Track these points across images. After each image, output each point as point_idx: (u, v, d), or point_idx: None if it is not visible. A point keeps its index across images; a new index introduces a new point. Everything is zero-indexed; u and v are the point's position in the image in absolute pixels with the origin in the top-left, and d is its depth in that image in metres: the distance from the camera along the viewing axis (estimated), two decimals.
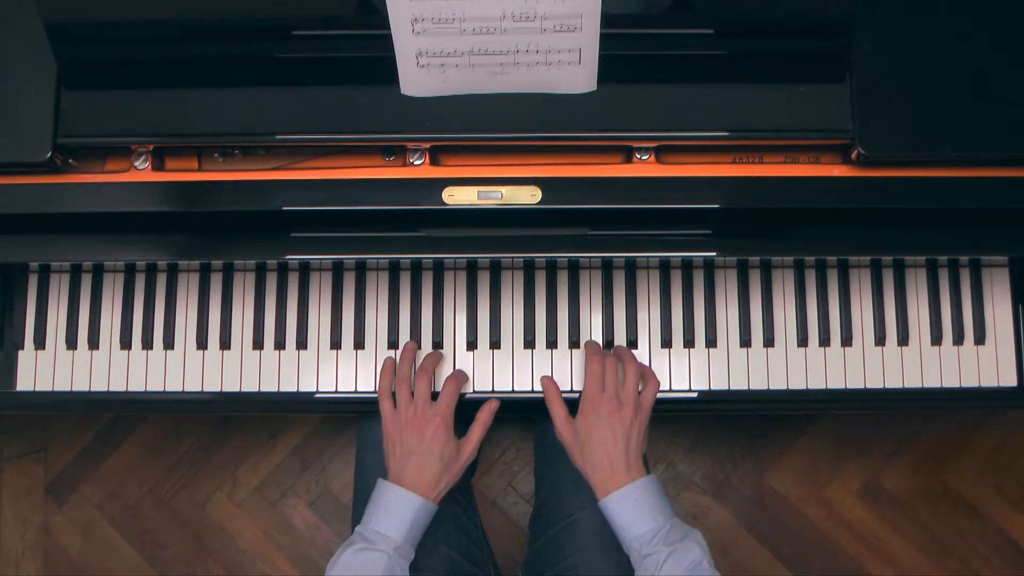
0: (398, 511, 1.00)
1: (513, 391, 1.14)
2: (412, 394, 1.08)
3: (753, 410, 1.36)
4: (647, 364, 1.14)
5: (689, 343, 1.14)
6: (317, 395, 1.15)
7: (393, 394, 1.09)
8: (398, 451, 1.05)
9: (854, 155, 1.00)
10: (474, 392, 1.14)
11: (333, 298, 1.16)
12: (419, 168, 1.03)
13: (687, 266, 1.15)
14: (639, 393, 1.06)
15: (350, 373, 1.15)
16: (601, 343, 1.14)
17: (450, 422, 1.06)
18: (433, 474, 1.03)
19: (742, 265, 1.15)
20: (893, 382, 1.14)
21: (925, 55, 1.00)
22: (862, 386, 1.14)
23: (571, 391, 1.13)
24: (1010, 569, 1.69)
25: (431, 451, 1.03)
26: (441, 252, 1.10)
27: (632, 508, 1.00)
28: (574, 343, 1.14)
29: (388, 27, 0.92)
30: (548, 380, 1.12)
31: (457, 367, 1.14)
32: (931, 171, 1.01)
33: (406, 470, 1.03)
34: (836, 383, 1.14)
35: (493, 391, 1.14)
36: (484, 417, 1.10)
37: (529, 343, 1.14)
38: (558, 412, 1.08)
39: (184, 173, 1.04)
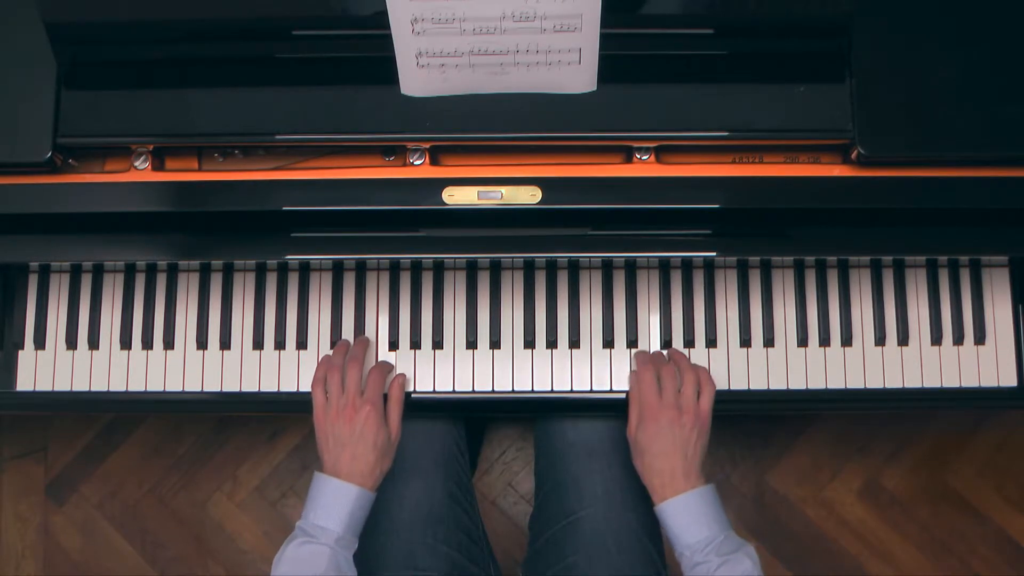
0: (336, 503, 1.00)
1: (513, 391, 1.14)
2: (344, 385, 1.06)
3: (753, 410, 1.36)
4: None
5: (689, 343, 1.14)
6: None
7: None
8: (331, 442, 1.04)
9: (854, 155, 1.00)
10: (474, 392, 1.14)
11: (333, 298, 1.16)
12: (419, 168, 1.03)
13: (687, 266, 1.15)
14: (698, 399, 1.05)
15: None
16: (601, 343, 1.14)
17: (380, 410, 1.05)
18: (368, 463, 1.02)
19: (742, 265, 1.15)
20: (893, 382, 1.14)
21: (925, 55, 1.00)
22: (862, 386, 1.14)
23: (571, 391, 1.13)
24: (1010, 569, 1.69)
25: (364, 440, 1.02)
26: (441, 252, 1.10)
27: (688, 516, 0.99)
28: (574, 343, 1.14)
29: (388, 27, 0.92)
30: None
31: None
32: (931, 171, 1.01)
33: (340, 461, 1.02)
34: (836, 383, 1.14)
35: (493, 391, 1.14)
36: (395, 393, 1.09)
37: (529, 343, 1.14)
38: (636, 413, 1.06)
39: (184, 173, 1.05)
